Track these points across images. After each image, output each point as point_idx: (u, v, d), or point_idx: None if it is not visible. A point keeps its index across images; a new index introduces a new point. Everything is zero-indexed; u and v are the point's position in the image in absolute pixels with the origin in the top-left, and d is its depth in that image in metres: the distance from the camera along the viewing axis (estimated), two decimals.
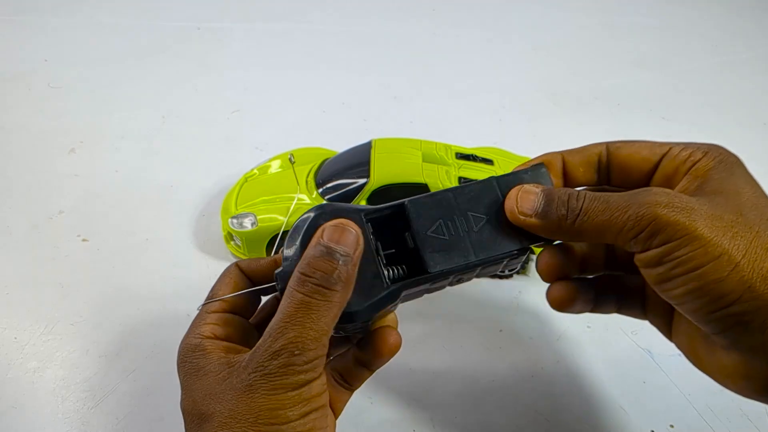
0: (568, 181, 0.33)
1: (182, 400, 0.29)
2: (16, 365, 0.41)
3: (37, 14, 0.88)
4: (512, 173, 0.32)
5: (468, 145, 0.51)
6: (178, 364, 0.30)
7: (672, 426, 0.37)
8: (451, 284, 0.32)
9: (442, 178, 0.44)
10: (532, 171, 0.32)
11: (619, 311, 0.34)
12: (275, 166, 0.53)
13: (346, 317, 0.28)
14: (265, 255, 0.47)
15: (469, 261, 0.30)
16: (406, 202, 0.30)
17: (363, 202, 0.44)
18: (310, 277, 0.27)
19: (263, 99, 0.72)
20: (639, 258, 0.28)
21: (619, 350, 0.42)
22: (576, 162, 0.32)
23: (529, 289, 0.47)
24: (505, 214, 0.31)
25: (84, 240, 0.51)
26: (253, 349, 0.27)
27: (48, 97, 0.70)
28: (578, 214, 0.28)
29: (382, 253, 0.30)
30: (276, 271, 0.29)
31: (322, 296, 0.27)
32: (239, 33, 0.86)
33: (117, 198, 0.56)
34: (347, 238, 0.28)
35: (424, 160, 0.46)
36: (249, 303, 0.33)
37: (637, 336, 0.43)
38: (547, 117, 0.70)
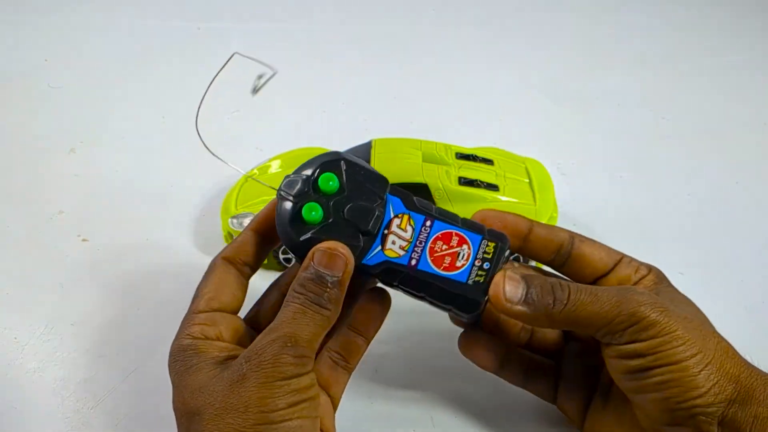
0: (524, 250, 0.35)
1: (174, 400, 0.30)
2: (16, 365, 0.41)
3: (37, 14, 0.88)
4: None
5: (468, 145, 0.51)
6: (169, 365, 0.31)
7: None
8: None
9: (442, 178, 0.44)
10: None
11: (525, 387, 0.37)
12: (275, 166, 0.53)
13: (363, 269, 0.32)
14: None
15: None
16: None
17: None
18: (303, 294, 0.30)
19: (263, 99, 0.72)
20: (616, 349, 0.30)
21: None
22: (541, 237, 0.34)
23: None
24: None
25: (84, 240, 0.51)
26: (250, 346, 0.29)
27: (48, 97, 0.70)
28: (566, 304, 0.30)
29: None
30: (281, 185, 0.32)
31: (315, 309, 0.30)
32: (239, 33, 0.86)
33: (117, 198, 0.56)
34: (336, 263, 0.30)
35: (424, 160, 0.46)
36: (237, 297, 0.34)
37: None
38: (547, 117, 0.70)
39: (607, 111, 0.72)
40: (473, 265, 0.32)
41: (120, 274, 0.48)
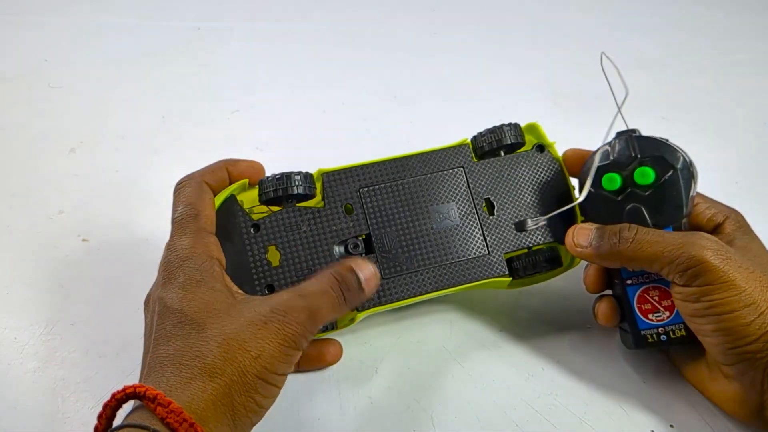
0: None
1: (170, 296, 0.31)
2: (16, 365, 0.41)
3: (37, 14, 0.88)
4: None
5: None
6: (175, 263, 0.32)
7: (672, 426, 0.37)
8: None
9: None
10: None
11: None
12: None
13: None
14: None
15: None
16: None
17: None
18: (340, 281, 0.32)
19: (263, 99, 0.72)
20: (679, 291, 0.34)
21: (619, 350, 0.42)
22: None
23: (529, 289, 0.47)
24: None
25: (84, 240, 0.51)
26: (276, 294, 0.32)
27: (48, 97, 0.70)
28: (631, 242, 0.34)
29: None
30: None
31: (340, 299, 0.32)
32: (239, 33, 0.86)
33: (117, 198, 0.56)
34: (372, 286, 0.34)
35: None
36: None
37: None
38: (547, 117, 0.69)
39: (608, 111, 0.71)
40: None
41: (120, 274, 0.48)
